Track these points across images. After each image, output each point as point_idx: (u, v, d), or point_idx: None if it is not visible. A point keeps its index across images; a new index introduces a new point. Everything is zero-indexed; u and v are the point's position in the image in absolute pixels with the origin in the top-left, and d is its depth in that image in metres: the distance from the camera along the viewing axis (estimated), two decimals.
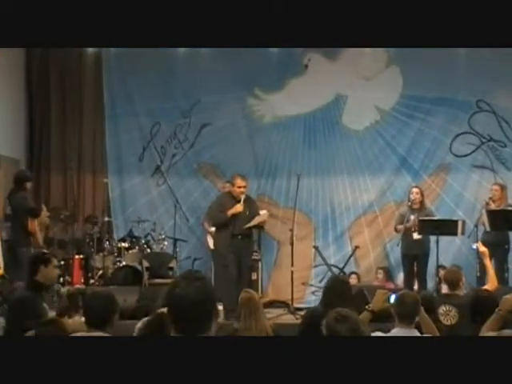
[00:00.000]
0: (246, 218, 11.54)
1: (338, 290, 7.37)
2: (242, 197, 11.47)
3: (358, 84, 14.12)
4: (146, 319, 6.35)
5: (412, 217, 12.11)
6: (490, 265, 8.90)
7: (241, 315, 7.36)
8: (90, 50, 12.69)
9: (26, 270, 7.80)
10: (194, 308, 3.53)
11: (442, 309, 8.15)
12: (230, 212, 11.35)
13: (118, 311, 5.46)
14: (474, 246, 12.05)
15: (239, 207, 11.39)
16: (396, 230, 12.52)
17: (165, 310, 6.19)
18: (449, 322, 8.05)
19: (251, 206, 11.77)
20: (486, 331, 6.32)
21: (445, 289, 12.43)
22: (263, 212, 11.98)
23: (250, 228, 11.64)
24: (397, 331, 6.17)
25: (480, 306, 7.10)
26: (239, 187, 11.50)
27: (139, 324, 6.40)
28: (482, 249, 9.93)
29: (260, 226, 12.08)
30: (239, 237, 11.44)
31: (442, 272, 12.51)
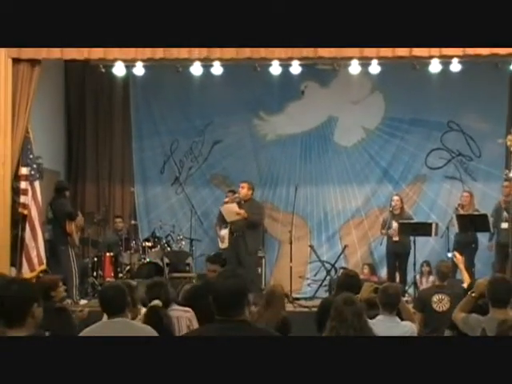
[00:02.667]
0: (241, 220, 11.52)
1: (348, 282, 7.37)
2: (239, 200, 11.55)
3: (347, 107, 14.14)
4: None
5: (393, 222, 12.14)
6: (464, 269, 8.89)
7: (260, 303, 7.43)
8: (120, 77, 12.66)
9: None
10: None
11: (436, 297, 8.14)
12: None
13: (127, 297, 5.33)
14: (450, 255, 12.07)
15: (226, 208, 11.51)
16: (382, 233, 12.59)
17: (155, 302, 6.27)
18: (441, 309, 8.06)
19: (248, 209, 11.64)
20: (459, 312, 6.29)
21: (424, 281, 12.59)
22: (228, 205, 11.86)
23: (242, 225, 11.57)
24: (380, 318, 6.16)
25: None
26: (238, 192, 11.69)
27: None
28: (458, 257, 10.02)
29: (250, 222, 11.64)
30: (235, 235, 11.48)
31: (425, 267, 12.64)
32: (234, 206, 11.57)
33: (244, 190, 11.61)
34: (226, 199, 12.13)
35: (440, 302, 8.17)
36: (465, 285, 8.60)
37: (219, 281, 3.91)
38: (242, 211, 11.41)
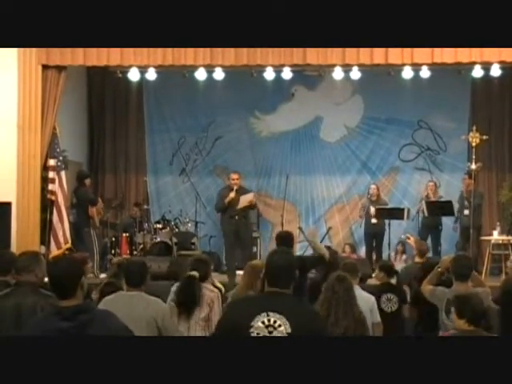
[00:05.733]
0: (249, 206, 11.56)
1: (330, 259, 7.39)
2: (235, 187, 11.40)
3: (331, 108, 14.18)
4: (179, 283, 6.38)
5: (371, 207, 12.23)
6: (416, 249, 9.11)
7: (242, 278, 7.45)
8: (135, 81, 12.68)
9: (282, 244, 7.11)
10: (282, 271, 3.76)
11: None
12: (227, 200, 11.30)
13: (148, 273, 5.38)
14: (403, 236, 12.29)
15: (232, 195, 11.31)
16: (360, 217, 12.66)
17: (194, 273, 6.29)
18: None
19: (243, 194, 11.74)
20: (426, 284, 6.37)
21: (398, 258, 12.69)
22: (246, 195, 11.86)
23: (245, 210, 11.54)
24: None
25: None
26: (232, 179, 11.49)
27: (173, 287, 6.42)
28: (411, 238, 10.25)
29: (252, 207, 11.80)
30: (236, 217, 11.35)
31: (400, 247, 12.74)
32: (250, 196, 11.57)
33: (239, 180, 11.62)
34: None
35: None
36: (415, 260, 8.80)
37: (273, 257, 3.86)
38: (254, 199, 11.54)
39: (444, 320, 5.91)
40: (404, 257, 12.80)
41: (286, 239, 7.34)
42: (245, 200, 11.34)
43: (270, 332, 3.54)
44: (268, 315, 3.57)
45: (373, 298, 6.38)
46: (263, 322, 3.56)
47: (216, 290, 6.44)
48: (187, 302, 5.87)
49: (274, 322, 3.56)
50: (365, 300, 6.21)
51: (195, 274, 6.26)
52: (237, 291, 6.63)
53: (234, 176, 11.46)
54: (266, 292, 3.78)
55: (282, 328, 3.54)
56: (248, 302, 3.97)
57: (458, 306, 4.66)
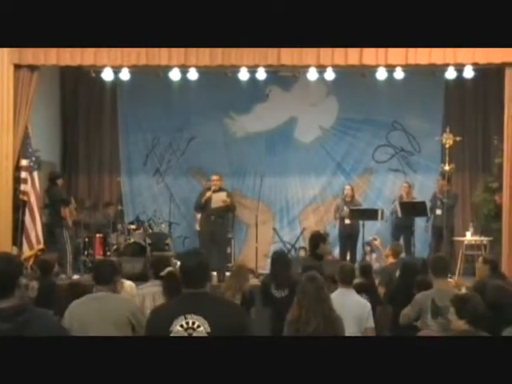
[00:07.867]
0: (224, 206, 11.64)
1: (279, 260, 7.49)
2: (213, 188, 11.56)
3: (305, 109, 14.19)
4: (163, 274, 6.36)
5: (345, 208, 12.29)
6: (384, 251, 9.23)
7: (229, 278, 7.53)
8: (109, 81, 12.63)
9: (309, 244, 7.63)
10: (195, 271, 3.77)
11: (397, 273, 8.16)
12: (203, 198, 11.46)
13: (119, 272, 5.41)
14: (370, 238, 12.40)
15: (208, 194, 11.47)
16: (335, 217, 12.71)
17: (174, 269, 6.31)
18: None
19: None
20: (405, 313, 6.45)
21: (368, 258, 12.75)
22: (218, 194, 11.79)
23: (222, 210, 11.64)
24: (340, 291, 6.27)
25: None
26: (213, 180, 11.67)
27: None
28: (377, 240, 10.29)
29: (229, 208, 11.97)
30: (212, 217, 11.48)
31: (367, 247, 12.80)
32: (223, 195, 11.68)
33: (220, 182, 11.79)
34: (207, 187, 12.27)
35: None
36: (389, 260, 8.89)
37: (185, 258, 3.92)
38: (228, 199, 11.58)
39: (428, 321, 5.94)
40: (374, 256, 12.89)
41: (315, 239, 7.69)
42: (218, 199, 11.46)
43: (190, 334, 3.59)
44: (186, 318, 3.62)
45: (369, 305, 6.38)
46: (182, 326, 3.61)
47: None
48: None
49: (193, 323, 3.60)
50: (361, 305, 6.28)
51: (172, 269, 6.35)
52: (225, 295, 6.67)
53: (215, 177, 11.81)
54: (183, 294, 3.81)
55: (201, 328, 3.59)
56: (166, 308, 4.01)
57: (458, 306, 4.59)
